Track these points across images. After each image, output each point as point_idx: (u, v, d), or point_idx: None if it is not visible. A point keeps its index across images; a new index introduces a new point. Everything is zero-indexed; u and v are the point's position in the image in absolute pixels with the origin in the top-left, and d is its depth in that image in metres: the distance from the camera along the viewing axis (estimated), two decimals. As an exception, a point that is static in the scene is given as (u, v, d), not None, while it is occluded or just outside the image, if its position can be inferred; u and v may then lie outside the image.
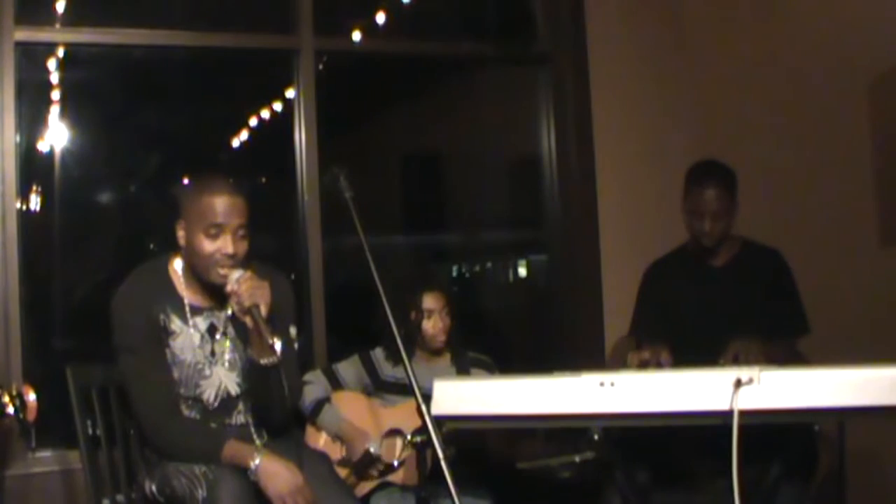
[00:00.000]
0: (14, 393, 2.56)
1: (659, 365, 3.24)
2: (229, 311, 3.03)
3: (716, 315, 3.50)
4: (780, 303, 3.51)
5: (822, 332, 3.50)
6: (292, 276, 4.11)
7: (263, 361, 2.91)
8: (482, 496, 3.39)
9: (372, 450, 3.40)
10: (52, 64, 4.07)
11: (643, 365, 3.26)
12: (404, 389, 3.46)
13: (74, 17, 3.98)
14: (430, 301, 3.59)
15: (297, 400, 3.36)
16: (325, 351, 4.13)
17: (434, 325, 3.59)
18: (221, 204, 2.93)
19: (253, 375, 3.00)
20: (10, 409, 2.55)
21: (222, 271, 2.92)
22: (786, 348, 3.38)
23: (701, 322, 3.50)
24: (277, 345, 2.88)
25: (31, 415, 2.57)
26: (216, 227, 2.92)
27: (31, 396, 2.57)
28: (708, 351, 3.19)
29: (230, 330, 3.08)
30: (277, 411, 3.04)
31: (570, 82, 4.63)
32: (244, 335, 3.01)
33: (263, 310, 2.87)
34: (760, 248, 3.63)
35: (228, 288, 2.91)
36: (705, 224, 3.50)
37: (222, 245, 2.92)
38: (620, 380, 2.53)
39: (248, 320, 2.90)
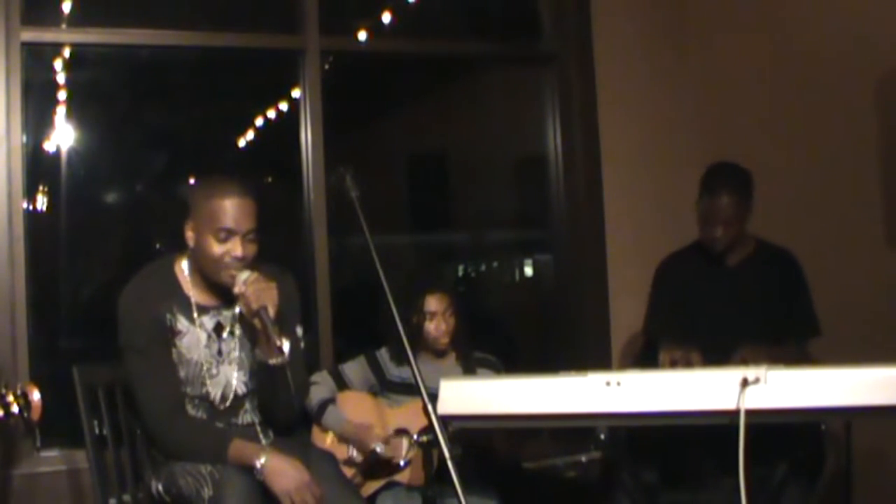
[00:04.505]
0: (18, 392, 2.56)
1: (689, 365, 3.23)
2: (236, 310, 3.04)
3: (728, 314, 3.49)
4: (793, 304, 3.50)
5: (828, 331, 3.50)
6: (298, 277, 4.11)
7: (271, 362, 2.92)
8: (488, 496, 3.38)
9: (378, 449, 3.40)
10: (58, 64, 4.08)
11: (674, 364, 3.25)
12: (410, 389, 3.45)
13: (81, 17, 3.98)
14: (432, 303, 3.57)
15: (304, 400, 3.37)
16: (331, 351, 4.13)
17: (437, 327, 3.56)
18: (232, 208, 2.92)
19: (260, 375, 3.00)
20: (15, 409, 2.55)
21: (230, 272, 2.93)
22: (795, 351, 3.37)
23: (713, 320, 3.49)
24: (285, 345, 2.88)
25: (36, 413, 2.57)
26: (226, 231, 2.92)
27: (36, 395, 2.56)
28: (719, 350, 3.19)
29: (237, 328, 3.08)
30: (284, 411, 3.05)
31: (575, 82, 4.62)
32: (251, 334, 3.02)
33: (271, 311, 2.87)
34: (774, 248, 3.62)
35: (236, 290, 2.91)
36: (717, 230, 3.50)
37: (231, 248, 2.93)
38: (626, 379, 2.53)
39: (256, 322, 2.90)
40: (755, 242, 3.62)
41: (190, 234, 3.01)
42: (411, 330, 3.51)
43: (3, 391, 2.55)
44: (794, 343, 3.42)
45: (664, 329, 3.60)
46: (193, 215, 2.99)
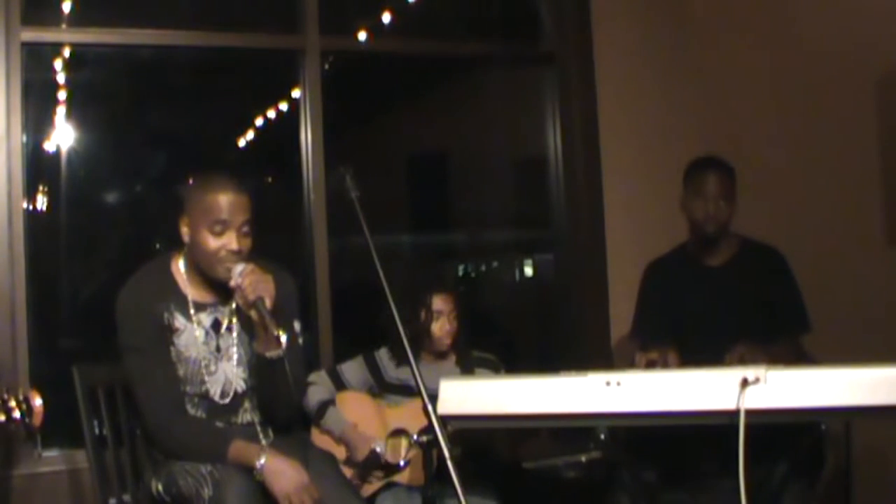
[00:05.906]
0: (21, 397, 2.56)
1: (666, 366, 3.24)
2: (234, 306, 3.04)
3: (716, 315, 3.49)
4: (780, 301, 3.50)
5: (828, 330, 3.50)
6: (298, 277, 4.11)
7: (269, 354, 2.93)
8: (488, 496, 3.38)
9: (377, 450, 3.40)
10: (58, 64, 4.08)
11: (650, 365, 3.25)
12: (409, 391, 3.47)
13: (80, 17, 3.99)
14: (439, 303, 3.58)
15: (303, 395, 3.37)
16: (330, 351, 4.13)
17: (441, 327, 3.57)
18: (226, 201, 2.94)
19: (259, 369, 3.00)
20: (17, 414, 2.55)
21: (227, 266, 2.94)
22: (789, 348, 3.37)
23: (701, 322, 3.49)
24: (283, 338, 2.89)
25: (37, 420, 2.57)
26: (221, 223, 2.94)
27: (38, 402, 2.57)
28: (709, 351, 3.18)
29: (235, 324, 3.09)
30: (284, 406, 3.05)
31: (575, 82, 4.62)
32: (249, 329, 3.02)
33: (268, 302, 2.88)
34: (759, 246, 3.62)
35: (232, 282, 2.92)
36: (709, 206, 3.50)
37: (227, 241, 2.94)
38: (627, 379, 2.53)
39: (252, 313, 2.91)
40: (739, 241, 3.62)
41: (185, 230, 3.02)
42: (416, 328, 3.52)
43: (6, 396, 2.56)
44: (786, 340, 3.42)
45: (651, 332, 3.60)
46: (188, 211, 3.01)
